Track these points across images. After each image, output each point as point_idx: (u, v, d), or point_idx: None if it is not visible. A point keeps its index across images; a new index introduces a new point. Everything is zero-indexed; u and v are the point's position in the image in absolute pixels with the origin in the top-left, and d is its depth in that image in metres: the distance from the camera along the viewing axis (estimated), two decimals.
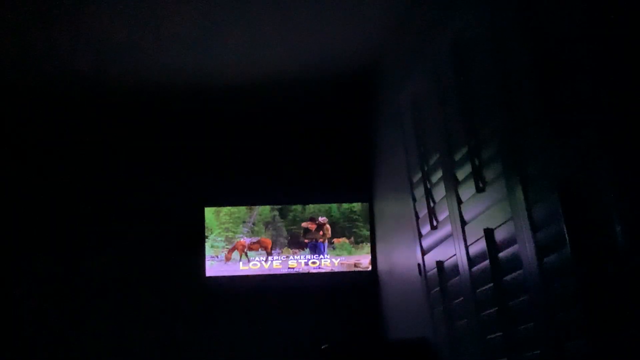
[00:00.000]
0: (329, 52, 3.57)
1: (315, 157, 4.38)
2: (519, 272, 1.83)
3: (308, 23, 3.23)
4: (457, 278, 2.36)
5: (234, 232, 4.15)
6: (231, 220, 4.18)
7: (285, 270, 4.12)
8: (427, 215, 2.67)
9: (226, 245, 4.12)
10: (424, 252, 2.77)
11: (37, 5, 2.95)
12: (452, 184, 2.34)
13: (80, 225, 4.19)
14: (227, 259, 4.08)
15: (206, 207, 4.14)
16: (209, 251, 4.08)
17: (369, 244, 4.10)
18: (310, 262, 4.11)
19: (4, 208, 4.18)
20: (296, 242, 4.15)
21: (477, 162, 2.13)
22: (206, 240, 4.08)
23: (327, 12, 3.13)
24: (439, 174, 2.52)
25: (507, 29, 1.86)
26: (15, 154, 4.30)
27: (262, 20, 3.18)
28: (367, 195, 4.14)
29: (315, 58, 3.62)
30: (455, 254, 2.35)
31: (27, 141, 4.32)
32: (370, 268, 4.07)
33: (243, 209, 4.20)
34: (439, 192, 2.53)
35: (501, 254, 1.97)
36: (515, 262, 1.85)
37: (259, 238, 4.15)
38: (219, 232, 4.13)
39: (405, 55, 3.11)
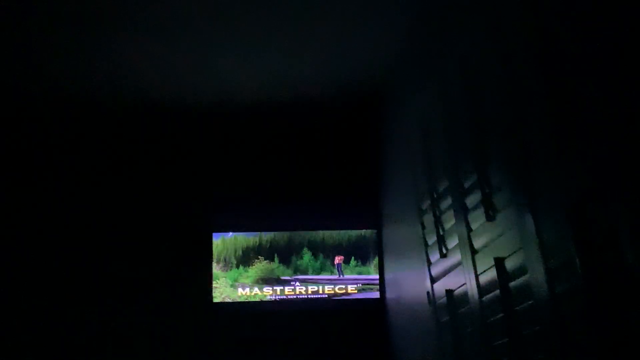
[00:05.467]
0: (337, 78, 3.59)
1: (324, 183, 4.38)
2: (530, 302, 1.81)
3: (317, 48, 3.25)
4: (467, 307, 2.33)
5: None
6: None
7: (292, 296, 4.09)
8: (437, 243, 2.65)
9: None
10: (433, 281, 2.74)
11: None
12: (462, 212, 2.32)
13: (84, 250, 4.19)
14: None
15: (214, 232, 4.14)
16: None
17: None
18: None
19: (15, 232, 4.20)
20: None
21: (486, 190, 2.12)
22: None
23: (334, 35, 3.14)
24: (448, 202, 2.51)
25: (515, 52, 1.86)
26: (25, 178, 4.32)
27: (270, 43, 3.20)
28: (375, 222, 4.12)
29: (324, 83, 3.64)
30: (465, 283, 2.32)
31: (37, 171, 4.34)
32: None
33: None
34: (449, 220, 2.51)
35: (512, 284, 1.95)
36: (526, 291, 1.83)
37: None
38: None
39: (414, 80, 3.12)
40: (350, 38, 3.18)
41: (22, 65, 3.35)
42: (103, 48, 3.19)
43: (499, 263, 2.02)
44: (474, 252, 2.23)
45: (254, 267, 4.13)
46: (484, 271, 2.14)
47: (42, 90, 3.64)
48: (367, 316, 4.07)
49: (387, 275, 3.94)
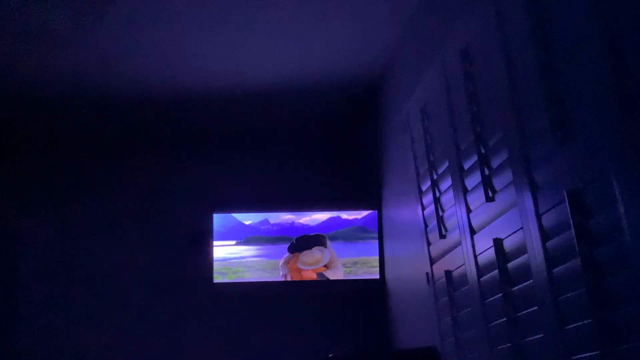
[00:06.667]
0: (336, 61, 3.57)
1: (324, 164, 4.38)
2: (528, 282, 1.81)
3: (315, 32, 3.24)
4: (465, 288, 2.33)
5: None
6: None
7: (291, 278, 4.10)
8: (436, 224, 2.65)
9: None
10: (432, 261, 2.75)
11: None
12: (461, 193, 2.32)
13: (86, 228, 4.21)
14: None
15: (215, 213, 4.14)
16: None
17: None
18: None
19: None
20: None
21: (486, 171, 2.12)
22: None
23: (334, 21, 3.13)
24: (447, 182, 2.50)
25: (515, 36, 1.85)
26: (28, 159, 4.33)
27: (269, 29, 3.19)
28: (375, 203, 4.12)
29: (323, 66, 3.63)
30: (464, 264, 2.33)
31: (41, 146, 4.35)
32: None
33: None
34: (448, 201, 2.51)
35: (510, 264, 1.95)
36: (524, 272, 1.83)
37: None
38: None
39: (413, 63, 3.11)
40: (349, 22, 3.16)
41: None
42: (97, 33, 3.16)
43: (497, 244, 2.02)
44: (472, 232, 2.24)
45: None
46: (483, 252, 2.14)
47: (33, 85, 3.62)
48: (367, 297, 4.09)
49: (387, 256, 3.95)
